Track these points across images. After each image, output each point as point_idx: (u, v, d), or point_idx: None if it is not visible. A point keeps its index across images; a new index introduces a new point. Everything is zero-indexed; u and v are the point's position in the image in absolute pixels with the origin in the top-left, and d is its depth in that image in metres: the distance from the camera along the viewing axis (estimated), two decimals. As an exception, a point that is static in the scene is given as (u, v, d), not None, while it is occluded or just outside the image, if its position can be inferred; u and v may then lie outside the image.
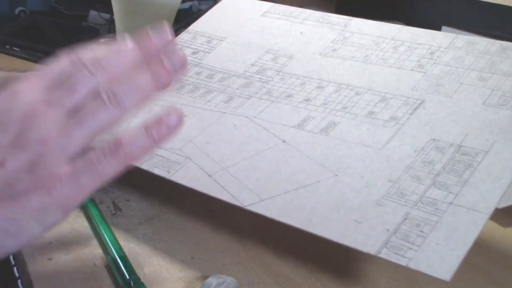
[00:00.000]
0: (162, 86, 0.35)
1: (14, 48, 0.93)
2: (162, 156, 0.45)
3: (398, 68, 0.49)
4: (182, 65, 0.36)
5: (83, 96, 0.34)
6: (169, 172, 0.43)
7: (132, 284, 0.36)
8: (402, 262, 0.33)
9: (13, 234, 0.31)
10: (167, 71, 0.35)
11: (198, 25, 0.61)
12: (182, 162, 0.44)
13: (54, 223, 0.32)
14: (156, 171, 0.44)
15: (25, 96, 0.33)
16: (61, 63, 0.35)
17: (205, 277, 0.37)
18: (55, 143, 0.32)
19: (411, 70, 0.48)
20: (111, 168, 0.33)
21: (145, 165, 0.44)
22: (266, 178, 0.41)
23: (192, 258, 0.41)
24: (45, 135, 0.32)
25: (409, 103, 0.45)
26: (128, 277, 0.36)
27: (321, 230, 0.36)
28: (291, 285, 0.39)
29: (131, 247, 0.41)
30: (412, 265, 0.33)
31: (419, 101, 0.45)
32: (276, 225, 0.46)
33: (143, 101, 0.35)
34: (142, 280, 0.37)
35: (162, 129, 0.34)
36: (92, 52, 0.36)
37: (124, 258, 0.38)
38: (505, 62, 0.46)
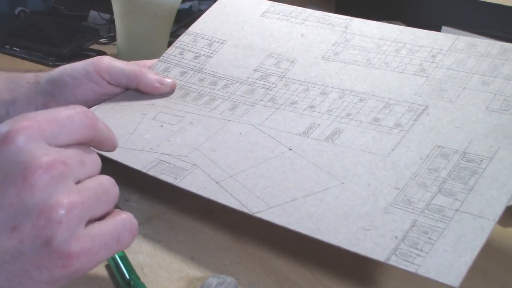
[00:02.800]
0: None
1: (14, 48, 0.93)
2: (169, 163, 0.44)
3: (400, 72, 0.49)
4: None
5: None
6: (176, 179, 0.43)
7: (132, 284, 0.36)
8: (412, 269, 0.33)
9: None
10: None
11: (198, 27, 0.61)
12: (189, 169, 0.43)
13: None
14: (163, 177, 0.43)
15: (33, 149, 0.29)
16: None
17: (205, 277, 0.37)
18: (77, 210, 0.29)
19: (414, 74, 0.48)
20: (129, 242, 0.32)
21: (152, 172, 0.44)
22: (274, 186, 0.41)
23: (192, 258, 0.41)
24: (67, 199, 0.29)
25: (413, 109, 0.45)
26: (128, 277, 0.36)
27: (330, 237, 0.36)
28: (291, 285, 0.39)
29: (131, 247, 0.41)
30: (421, 272, 0.33)
31: (422, 107, 0.45)
32: (276, 226, 0.46)
33: None
34: (142, 280, 0.37)
35: None
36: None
37: (124, 258, 0.38)
38: (506, 65, 0.46)
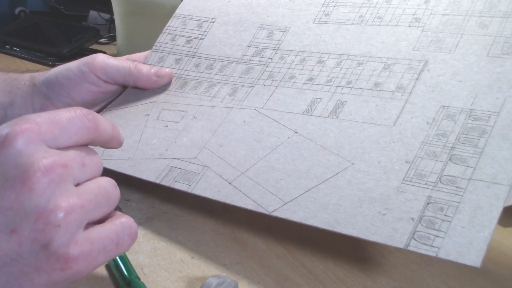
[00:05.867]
0: None
1: (14, 48, 0.93)
2: (180, 168, 0.44)
3: (395, 25, 0.47)
4: None
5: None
6: (190, 185, 0.42)
7: (132, 284, 0.36)
8: (432, 252, 0.32)
9: None
10: None
11: (184, 8, 0.60)
12: (201, 172, 0.43)
13: None
14: (178, 186, 0.43)
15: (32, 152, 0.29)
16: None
17: (205, 277, 0.37)
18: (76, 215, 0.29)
19: (409, 26, 0.47)
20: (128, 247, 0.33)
21: (165, 181, 0.43)
22: (285, 178, 0.40)
23: (192, 258, 0.41)
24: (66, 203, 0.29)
25: (413, 67, 0.44)
26: (128, 277, 0.36)
27: (348, 229, 0.36)
28: (291, 285, 0.39)
29: (131, 247, 0.41)
30: (442, 255, 0.32)
31: (422, 63, 0.44)
32: (276, 225, 0.46)
33: None
34: (142, 280, 0.37)
35: None
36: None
37: (124, 258, 0.38)
38: (502, 1, 0.44)
